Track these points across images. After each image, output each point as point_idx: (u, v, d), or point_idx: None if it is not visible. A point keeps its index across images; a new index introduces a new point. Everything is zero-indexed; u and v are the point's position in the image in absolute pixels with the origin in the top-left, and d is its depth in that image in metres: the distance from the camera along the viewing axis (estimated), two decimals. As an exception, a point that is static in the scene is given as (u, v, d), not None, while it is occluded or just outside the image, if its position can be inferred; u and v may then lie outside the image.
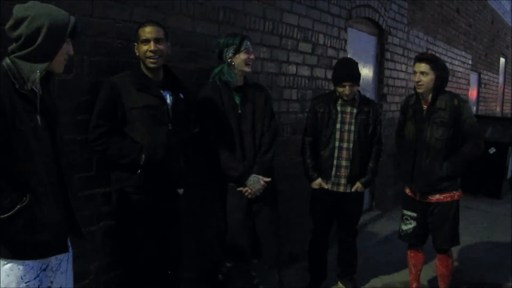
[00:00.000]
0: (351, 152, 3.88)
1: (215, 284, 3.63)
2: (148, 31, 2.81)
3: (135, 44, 2.87)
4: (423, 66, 3.62)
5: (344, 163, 3.89)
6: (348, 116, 3.90)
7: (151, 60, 2.82)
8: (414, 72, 3.69)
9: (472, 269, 4.88)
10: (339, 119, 3.89)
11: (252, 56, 3.37)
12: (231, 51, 3.33)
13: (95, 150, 2.79)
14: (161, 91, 2.89)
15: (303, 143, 4.05)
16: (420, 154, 3.70)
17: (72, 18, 2.02)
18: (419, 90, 3.68)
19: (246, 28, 3.96)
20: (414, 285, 4.06)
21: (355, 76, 3.86)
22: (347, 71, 3.86)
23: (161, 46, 2.82)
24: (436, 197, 3.72)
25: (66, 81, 2.66)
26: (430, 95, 3.68)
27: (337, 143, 3.89)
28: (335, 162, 3.89)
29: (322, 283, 4.21)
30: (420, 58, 3.69)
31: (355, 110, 3.90)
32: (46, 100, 2.08)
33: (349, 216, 4.06)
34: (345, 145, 3.88)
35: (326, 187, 3.93)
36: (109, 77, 2.82)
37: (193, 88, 3.43)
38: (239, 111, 3.39)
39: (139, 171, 2.79)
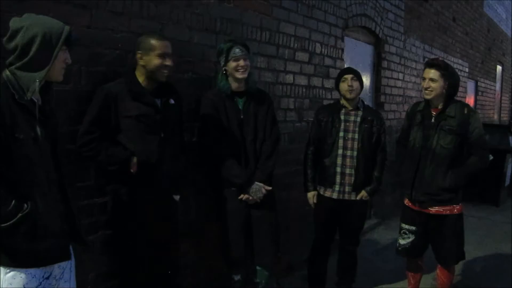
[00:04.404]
0: (355, 160, 3.88)
1: None
2: (165, 46, 2.85)
3: (139, 52, 2.85)
4: (432, 73, 3.56)
5: (348, 171, 3.89)
6: (351, 124, 3.91)
7: (164, 73, 2.86)
8: (423, 78, 3.64)
9: (470, 276, 4.87)
10: (342, 127, 3.90)
11: (242, 63, 3.37)
12: (223, 59, 3.39)
13: (83, 156, 2.76)
14: (154, 99, 2.91)
15: (306, 153, 4.07)
16: (424, 161, 3.63)
17: (67, 27, 2.04)
18: (427, 96, 3.61)
19: (243, 38, 3.98)
20: (413, 294, 4.03)
21: (355, 71, 3.95)
22: (346, 68, 4.09)
23: (172, 61, 2.88)
24: (435, 208, 3.65)
25: (64, 91, 2.67)
26: (441, 102, 3.63)
27: (340, 151, 3.89)
28: (339, 169, 3.89)
29: None
30: (430, 64, 3.63)
31: (358, 119, 3.92)
32: (46, 110, 2.10)
33: (352, 224, 4.05)
34: (349, 153, 3.89)
35: (315, 201, 3.97)
36: (102, 85, 2.82)
37: (191, 98, 3.46)
38: (241, 117, 3.42)
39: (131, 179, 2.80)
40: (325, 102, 5.19)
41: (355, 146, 3.88)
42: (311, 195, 3.99)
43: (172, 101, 2.99)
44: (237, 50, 3.37)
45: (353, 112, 3.94)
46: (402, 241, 3.86)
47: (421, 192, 3.65)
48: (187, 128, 3.43)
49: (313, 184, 3.99)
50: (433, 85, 3.56)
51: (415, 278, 4.00)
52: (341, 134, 3.90)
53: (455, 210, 3.67)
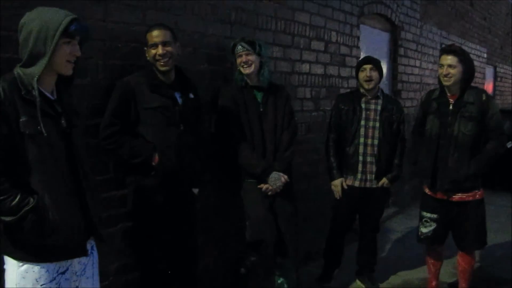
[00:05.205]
0: (376, 148, 3.90)
1: (236, 278, 3.68)
2: (155, 35, 2.84)
3: (145, 48, 2.90)
4: (451, 59, 3.52)
5: (369, 159, 3.91)
6: (372, 113, 3.93)
7: (161, 63, 2.85)
8: (441, 65, 3.58)
9: (491, 265, 4.83)
10: (363, 116, 3.92)
11: (243, 59, 3.43)
12: (234, 56, 3.48)
13: (106, 149, 2.80)
14: (173, 92, 2.93)
15: (327, 140, 4.07)
16: (446, 150, 3.60)
17: (67, 18, 1.97)
18: (447, 83, 3.56)
19: (258, 28, 3.97)
20: (434, 283, 4.01)
21: (374, 60, 3.95)
22: (366, 57, 4.06)
23: (169, 48, 2.85)
24: (459, 195, 3.63)
25: (82, 85, 2.69)
26: (458, 89, 3.59)
27: (362, 140, 3.91)
28: (360, 158, 3.91)
29: (334, 271, 4.26)
30: (447, 51, 3.59)
31: (379, 107, 3.93)
32: (63, 105, 2.08)
33: (373, 211, 4.08)
34: (369, 141, 3.91)
35: (346, 187, 3.93)
36: (122, 78, 2.85)
37: (207, 89, 3.46)
38: (261, 109, 3.49)
39: (153, 172, 2.82)
40: (342, 91, 5.15)
41: (376, 134, 3.90)
42: (338, 182, 3.96)
43: (191, 95, 3.01)
44: (239, 47, 3.44)
45: (373, 101, 3.95)
46: (424, 229, 3.83)
47: (446, 181, 3.61)
48: (204, 120, 3.44)
49: (338, 172, 3.97)
50: (452, 71, 3.52)
51: (435, 266, 3.98)
52: (363, 122, 3.91)
53: (477, 196, 3.67)
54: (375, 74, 3.88)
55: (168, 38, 2.86)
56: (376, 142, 3.90)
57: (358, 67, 3.99)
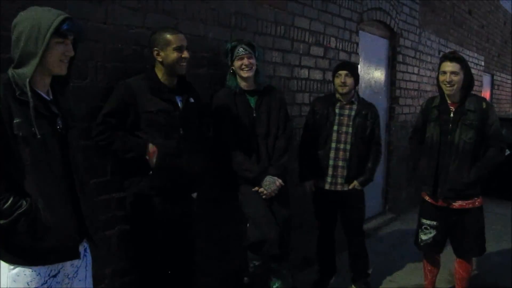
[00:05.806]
0: (348, 153, 3.95)
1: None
2: (181, 39, 2.86)
3: (156, 49, 2.86)
4: (454, 66, 3.51)
5: (340, 163, 3.97)
6: (345, 118, 3.98)
7: (183, 65, 2.88)
8: (443, 72, 3.56)
9: (487, 272, 4.83)
10: (336, 121, 3.97)
11: (245, 62, 3.40)
12: (229, 58, 3.45)
13: (98, 146, 2.77)
14: (174, 96, 2.92)
15: (301, 143, 4.16)
16: (447, 158, 3.60)
17: (59, 17, 1.93)
18: (450, 91, 3.55)
19: (258, 32, 3.98)
20: (429, 289, 4.01)
21: (350, 66, 4.03)
22: (343, 62, 4.20)
23: (188, 53, 2.91)
24: (459, 203, 3.63)
25: (81, 87, 2.68)
26: (459, 96, 3.59)
27: (333, 144, 3.96)
28: (331, 162, 3.97)
29: (331, 278, 4.31)
30: (450, 58, 3.56)
31: (353, 113, 3.98)
32: (59, 106, 2.06)
33: (351, 215, 4.11)
34: (341, 146, 3.96)
35: (313, 189, 4.07)
36: (123, 80, 2.84)
37: (206, 93, 3.46)
38: (254, 115, 3.47)
39: (150, 172, 2.80)
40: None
41: (348, 139, 3.96)
42: (307, 185, 4.11)
43: (192, 100, 3.01)
44: (241, 49, 3.41)
45: (347, 106, 4.01)
46: (423, 237, 3.83)
47: (447, 188, 3.61)
48: (204, 124, 3.43)
49: (308, 175, 4.08)
50: (455, 78, 3.52)
51: (432, 272, 3.98)
52: (335, 127, 3.97)
53: (477, 203, 3.68)
54: (349, 80, 3.92)
55: (186, 43, 2.91)
56: (348, 147, 3.95)
57: (334, 72, 4.03)
